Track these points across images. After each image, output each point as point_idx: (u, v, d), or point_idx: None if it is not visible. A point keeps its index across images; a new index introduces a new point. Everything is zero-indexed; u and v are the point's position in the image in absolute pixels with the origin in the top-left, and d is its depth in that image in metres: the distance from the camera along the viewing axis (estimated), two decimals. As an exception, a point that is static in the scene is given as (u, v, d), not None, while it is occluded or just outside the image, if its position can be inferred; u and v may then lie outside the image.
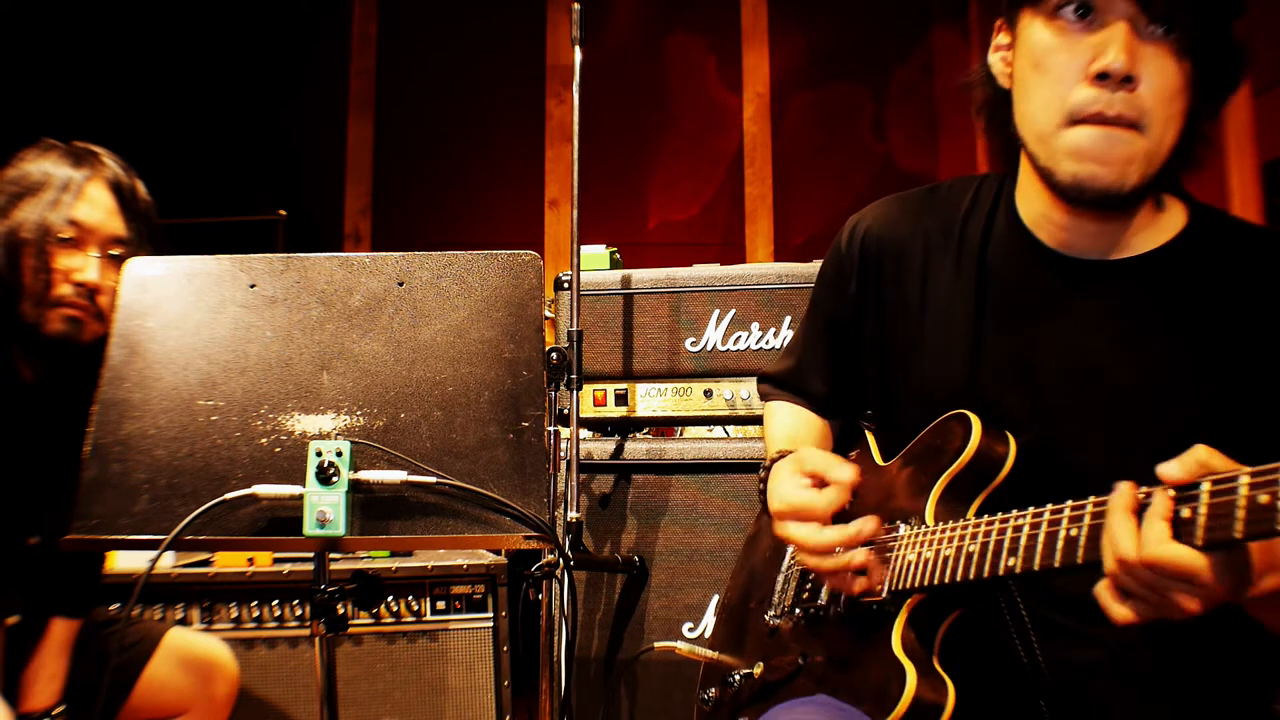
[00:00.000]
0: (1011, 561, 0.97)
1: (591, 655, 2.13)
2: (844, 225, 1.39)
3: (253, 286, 1.34)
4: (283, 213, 4.12)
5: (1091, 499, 0.92)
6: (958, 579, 1.03)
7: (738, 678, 1.34)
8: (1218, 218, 1.14)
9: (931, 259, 1.26)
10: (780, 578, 1.38)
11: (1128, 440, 1.07)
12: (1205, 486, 0.81)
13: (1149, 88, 1.01)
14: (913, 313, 1.27)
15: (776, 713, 1.19)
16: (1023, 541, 0.97)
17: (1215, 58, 1.04)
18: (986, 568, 1.00)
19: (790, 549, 1.37)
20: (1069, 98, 1.04)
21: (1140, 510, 0.85)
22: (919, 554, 1.10)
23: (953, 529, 1.07)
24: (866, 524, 1.14)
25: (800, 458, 1.24)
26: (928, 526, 1.12)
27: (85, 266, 1.66)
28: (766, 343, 2.17)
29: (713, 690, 1.39)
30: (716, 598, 2.07)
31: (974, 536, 1.04)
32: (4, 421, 1.65)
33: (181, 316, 1.32)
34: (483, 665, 2.25)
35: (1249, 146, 3.68)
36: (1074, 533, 0.92)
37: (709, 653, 1.43)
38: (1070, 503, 0.94)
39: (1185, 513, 0.82)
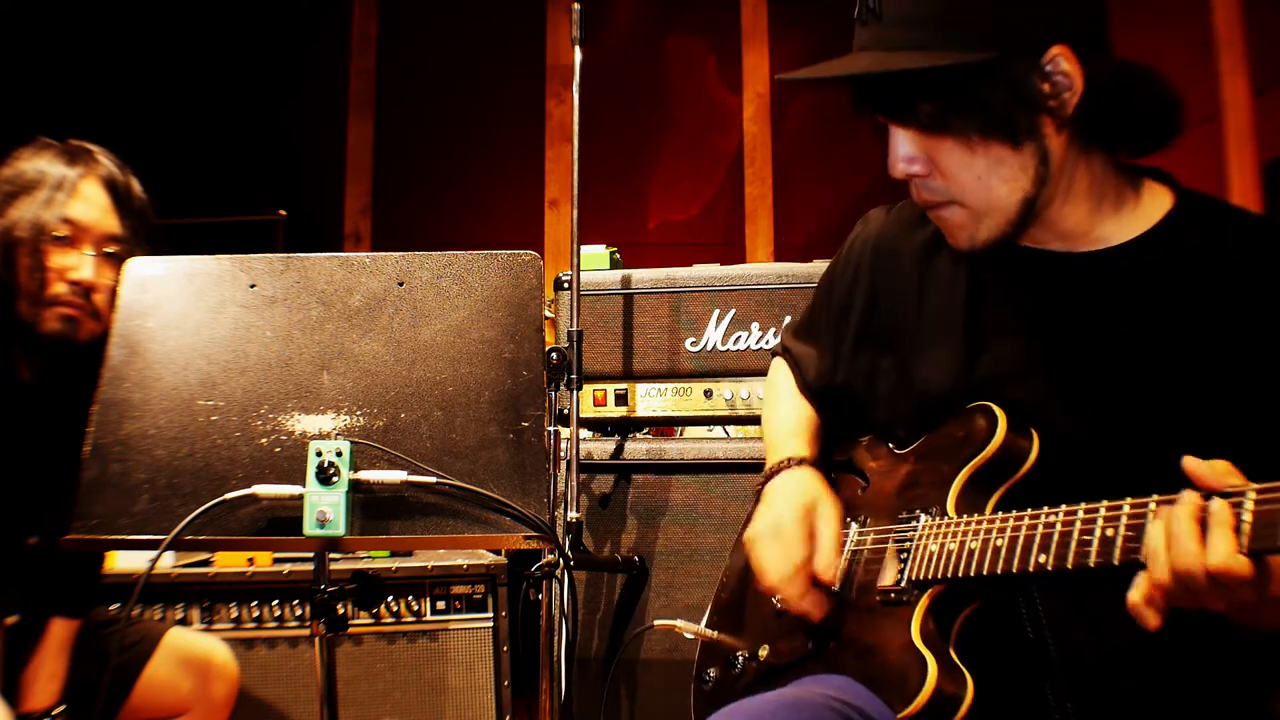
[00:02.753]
0: (1042, 559, 0.97)
1: (591, 655, 2.13)
2: (854, 229, 1.43)
3: (253, 286, 1.34)
4: (283, 213, 4.12)
5: (1128, 500, 0.92)
6: (984, 573, 1.03)
7: (741, 659, 1.32)
8: (1204, 203, 1.14)
9: (930, 261, 1.28)
10: None
11: (1118, 436, 1.08)
12: (1251, 495, 0.83)
13: (939, 168, 1.10)
14: (911, 315, 1.28)
15: (796, 685, 1.18)
16: (1055, 539, 0.97)
17: (997, 105, 1.04)
18: (1015, 563, 1.00)
19: None
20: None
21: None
22: (942, 545, 1.10)
23: (978, 522, 1.07)
24: (811, 613, 1.22)
25: (815, 509, 1.28)
26: (950, 518, 1.12)
27: (80, 265, 1.66)
28: (766, 343, 2.17)
29: (713, 670, 1.38)
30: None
31: (1001, 531, 1.03)
32: (3, 421, 1.65)
33: (181, 316, 1.32)
34: (483, 665, 2.24)
35: (1249, 146, 3.68)
36: (1110, 532, 0.92)
37: (710, 632, 1.41)
38: (1105, 502, 0.94)
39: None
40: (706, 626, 1.44)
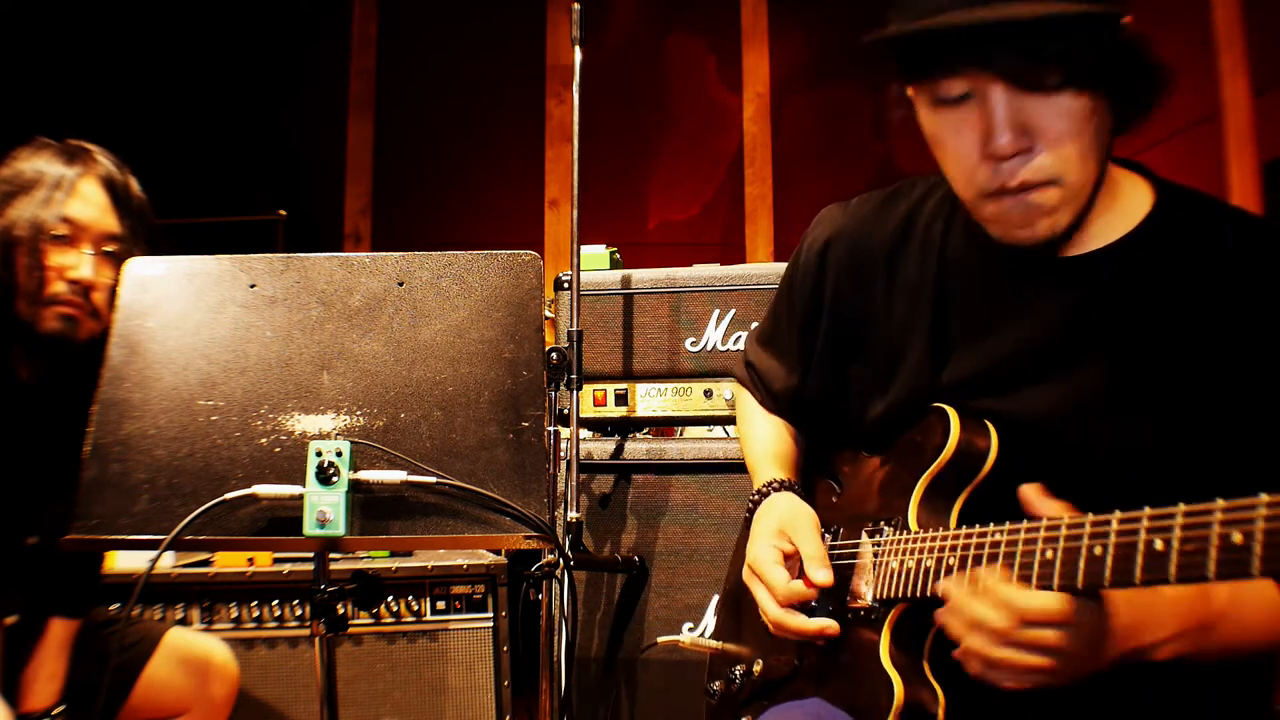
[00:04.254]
0: None
1: (591, 655, 2.13)
2: (807, 231, 1.39)
3: (253, 286, 1.34)
4: (283, 213, 4.12)
5: (1065, 519, 0.91)
6: (939, 593, 1.02)
7: (738, 675, 1.33)
8: (1185, 198, 1.10)
9: (895, 264, 1.25)
10: None
11: (1092, 442, 1.05)
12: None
13: (1048, 140, 0.98)
14: (878, 320, 1.25)
15: (772, 715, 1.18)
16: (1000, 559, 0.97)
17: (1114, 75, 0.97)
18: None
19: None
20: (974, 178, 1.03)
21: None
22: (901, 563, 1.09)
23: (933, 539, 1.06)
24: (827, 626, 1.16)
25: (790, 525, 1.25)
26: (910, 532, 1.11)
27: (79, 264, 1.66)
28: (766, 343, 2.17)
29: (717, 684, 1.38)
30: (716, 597, 2.07)
31: (953, 549, 1.02)
32: (2, 421, 1.65)
33: (181, 316, 1.32)
34: (483, 665, 2.24)
35: (1249, 146, 3.67)
36: (1049, 555, 0.91)
37: (711, 643, 1.42)
38: (1046, 520, 0.93)
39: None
40: (712, 636, 1.44)
